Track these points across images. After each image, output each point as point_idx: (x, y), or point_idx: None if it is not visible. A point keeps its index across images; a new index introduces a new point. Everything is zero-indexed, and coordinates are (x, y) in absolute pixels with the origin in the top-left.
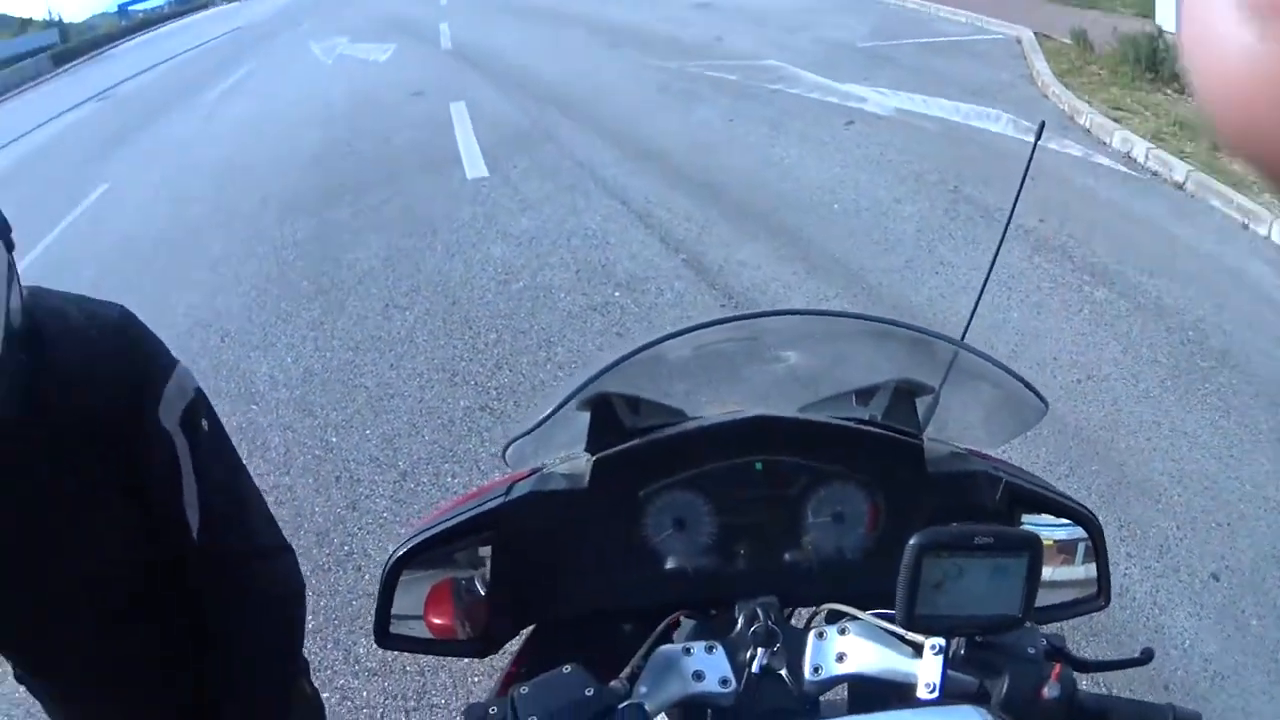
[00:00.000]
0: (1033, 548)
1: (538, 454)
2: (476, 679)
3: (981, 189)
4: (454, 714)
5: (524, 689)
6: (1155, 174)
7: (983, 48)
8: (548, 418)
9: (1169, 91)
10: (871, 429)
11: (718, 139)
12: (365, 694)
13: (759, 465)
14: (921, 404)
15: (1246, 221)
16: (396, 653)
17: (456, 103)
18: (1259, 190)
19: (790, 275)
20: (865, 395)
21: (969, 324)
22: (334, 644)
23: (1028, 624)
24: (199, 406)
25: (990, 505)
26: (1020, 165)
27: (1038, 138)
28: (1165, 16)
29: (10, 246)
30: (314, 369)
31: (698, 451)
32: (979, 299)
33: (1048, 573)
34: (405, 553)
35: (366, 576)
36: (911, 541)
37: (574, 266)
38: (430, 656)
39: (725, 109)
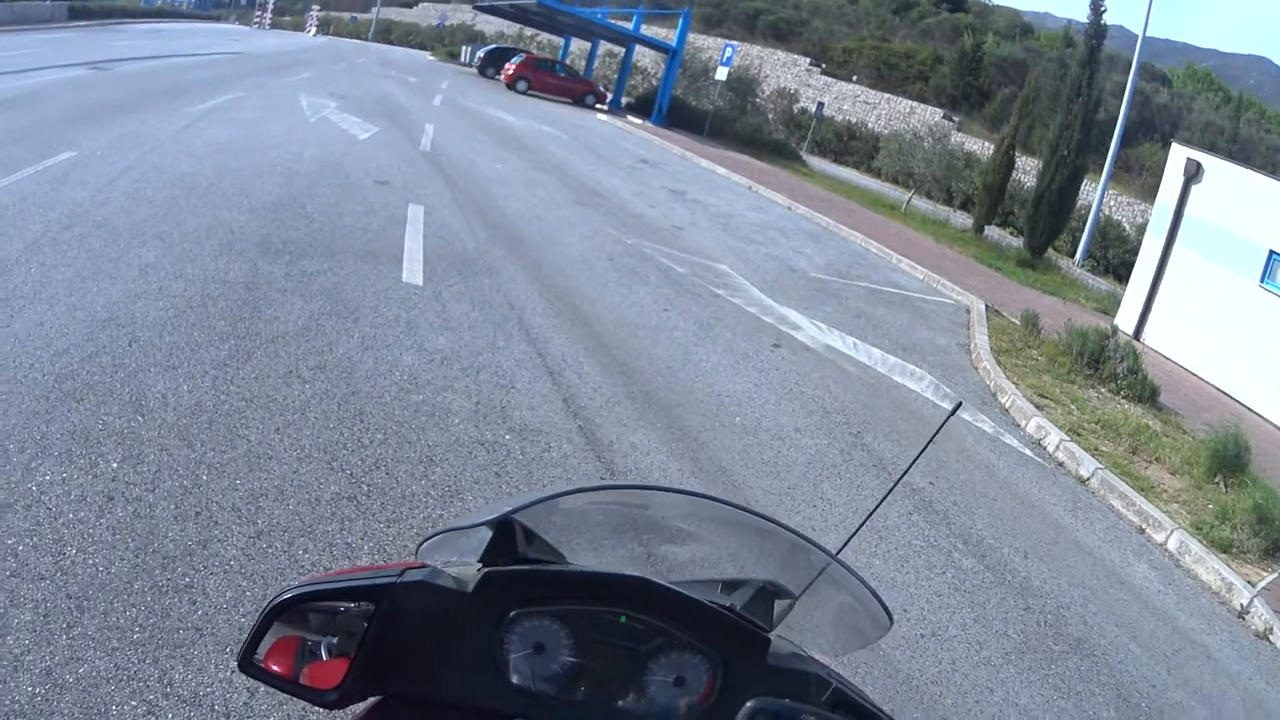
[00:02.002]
0: None
1: (437, 552)
2: None
3: (882, 440)
4: None
5: None
6: (1061, 465)
7: (931, 308)
8: (460, 528)
9: (1103, 390)
10: (728, 614)
11: (648, 323)
12: (170, 717)
13: (623, 618)
14: (782, 606)
15: (1144, 526)
16: (209, 689)
17: (416, 205)
18: (1168, 499)
19: (675, 470)
20: (732, 585)
21: (846, 542)
22: (153, 663)
23: None
24: None
25: (816, 705)
26: (928, 430)
27: (951, 414)
28: (1127, 319)
29: None
30: (205, 404)
31: (576, 592)
32: (861, 525)
33: None
34: (290, 597)
35: (199, 611)
36: (749, 704)
37: (475, 398)
38: (271, 700)
39: (664, 297)
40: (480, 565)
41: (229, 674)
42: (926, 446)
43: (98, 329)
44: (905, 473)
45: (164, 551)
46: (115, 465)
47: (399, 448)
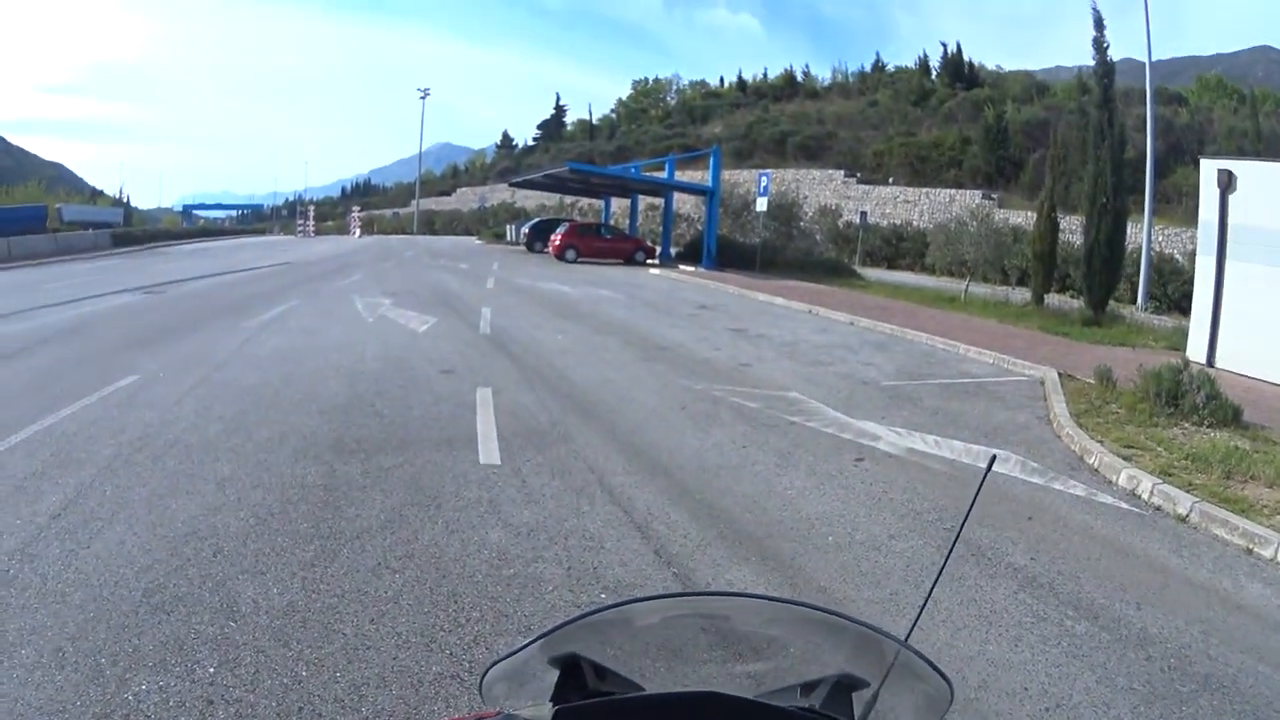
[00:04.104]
0: None
1: (510, 697)
2: None
3: (977, 529)
4: None
5: None
6: (1158, 509)
7: (1005, 389)
8: (522, 648)
9: (1186, 425)
10: (808, 715)
11: (728, 463)
12: None
13: None
14: (859, 697)
15: (1251, 546)
16: None
17: (484, 388)
18: (1270, 513)
19: None
20: (808, 687)
21: (914, 624)
22: None
23: None
24: None
25: None
26: (1023, 509)
27: (988, 469)
28: (1196, 349)
29: None
30: (297, 605)
31: (650, 717)
32: (926, 600)
33: None
34: None
35: None
36: None
37: (567, 564)
38: None
39: (740, 435)
40: (552, 705)
41: None
42: (972, 506)
43: (180, 543)
44: (956, 539)
45: None
46: (212, 670)
47: (496, 621)
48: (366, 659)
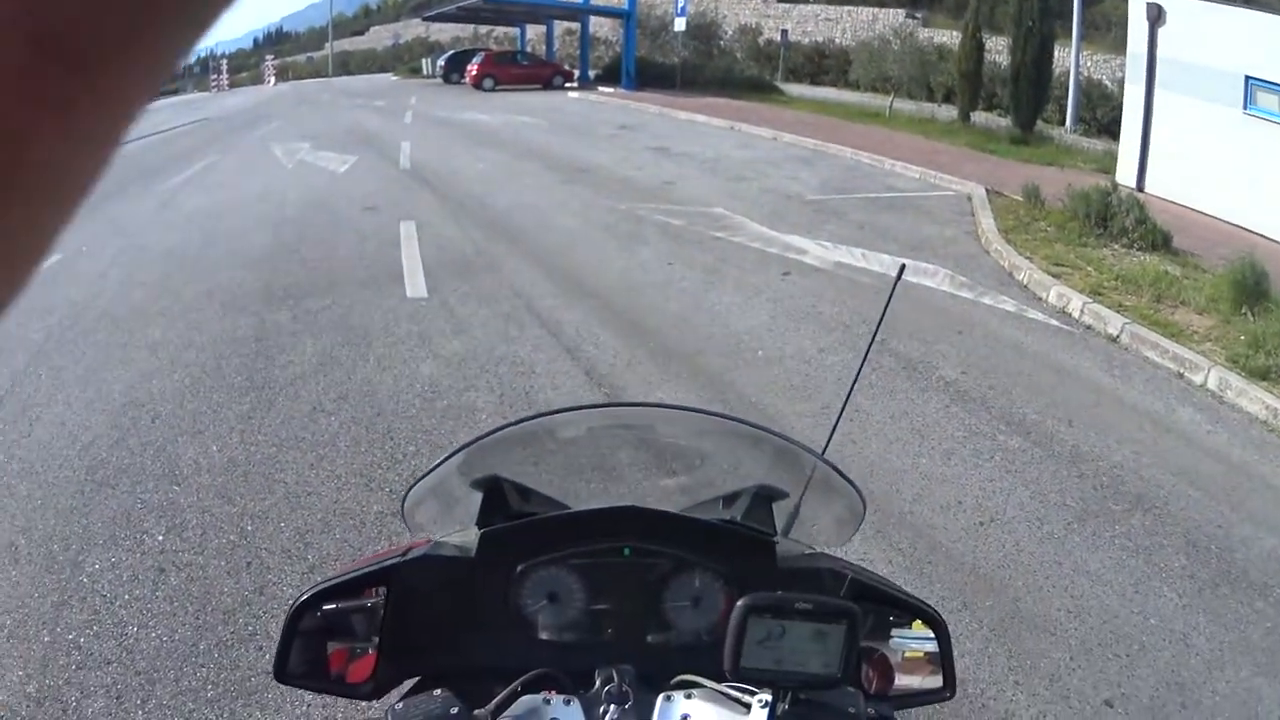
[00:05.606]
0: (850, 616)
1: (436, 524)
2: None
3: (907, 342)
4: None
5: (398, 705)
6: (1089, 328)
7: (932, 204)
8: (440, 465)
9: (1116, 247)
10: (728, 526)
11: (655, 281)
12: None
13: (627, 551)
14: (780, 507)
15: (1182, 371)
16: None
17: (407, 222)
18: (1199, 339)
19: None
20: (730, 499)
21: (830, 437)
22: (230, 714)
23: (850, 689)
24: None
25: (833, 597)
26: (951, 322)
27: (899, 277)
28: (1126, 173)
29: None
30: (237, 459)
31: (573, 534)
32: (841, 412)
33: (915, 681)
34: (307, 598)
35: (267, 656)
36: (740, 602)
37: (499, 391)
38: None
39: (666, 252)
40: (478, 529)
41: (305, 709)
42: (884, 313)
43: (119, 415)
44: (870, 347)
45: (223, 607)
46: (161, 538)
47: (432, 455)
48: (309, 505)
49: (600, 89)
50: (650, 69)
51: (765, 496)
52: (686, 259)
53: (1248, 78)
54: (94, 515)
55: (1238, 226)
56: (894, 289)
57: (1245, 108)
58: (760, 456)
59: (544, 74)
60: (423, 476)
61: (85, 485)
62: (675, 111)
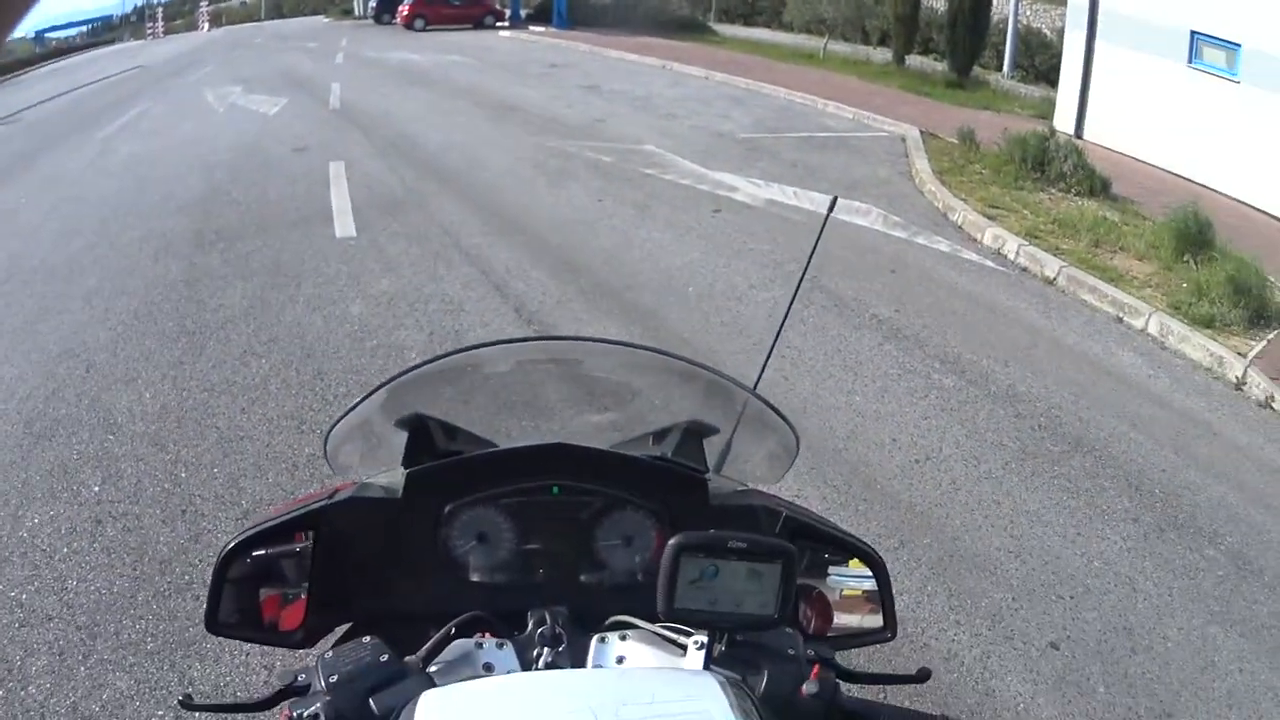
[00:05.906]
0: (786, 555)
1: (361, 464)
2: None
3: (839, 280)
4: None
5: (328, 653)
6: (1025, 269)
7: (865, 144)
8: (361, 402)
9: (1053, 191)
10: (658, 462)
11: (585, 218)
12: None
13: (556, 489)
14: (711, 443)
15: (1121, 314)
16: (229, 677)
17: (336, 162)
18: (1140, 285)
19: None
20: (660, 435)
21: (761, 373)
22: (170, 668)
23: (789, 630)
24: None
25: (767, 534)
26: (884, 261)
27: (830, 210)
28: (1064, 119)
29: None
30: (170, 406)
31: (501, 473)
32: (772, 348)
33: (854, 620)
34: (235, 545)
35: (204, 605)
36: (671, 541)
37: (428, 329)
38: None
39: (596, 189)
40: (404, 469)
41: (244, 657)
42: (815, 247)
43: (54, 365)
44: (799, 285)
45: (159, 557)
46: (97, 489)
47: (362, 395)
48: (241, 450)
49: (531, 28)
50: (582, 7)
51: (696, 432)
52: (617, 195)
53: (1193, 32)
54: (32, 469)
55: (1180, 176)
56: (825, 222)
57: (1190, 61)
58: (691, 392)
59: (475, 13)
60: (343, 416)
61: (24, 439)
62: (606, 50)
